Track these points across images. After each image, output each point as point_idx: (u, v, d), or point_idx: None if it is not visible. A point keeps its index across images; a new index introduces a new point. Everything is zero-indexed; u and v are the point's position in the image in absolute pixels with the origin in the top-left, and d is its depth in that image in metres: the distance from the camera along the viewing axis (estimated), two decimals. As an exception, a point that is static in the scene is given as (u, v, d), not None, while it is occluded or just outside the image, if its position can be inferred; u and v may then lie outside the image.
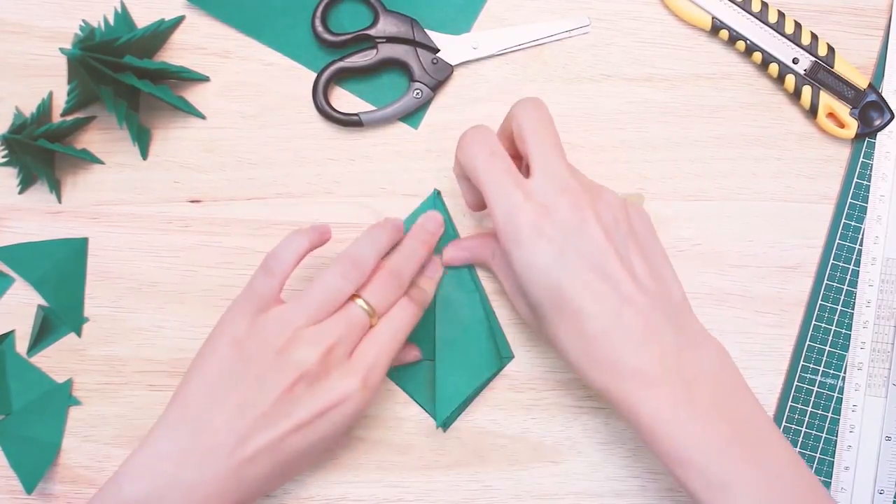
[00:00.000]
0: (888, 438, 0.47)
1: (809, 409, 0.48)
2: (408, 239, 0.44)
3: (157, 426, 0.39)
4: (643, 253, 0.40)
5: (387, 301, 0.42)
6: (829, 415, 0.48)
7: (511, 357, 0.47)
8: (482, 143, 0.40)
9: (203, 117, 0.48)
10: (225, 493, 0.38)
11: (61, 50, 0.42)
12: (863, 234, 0.48)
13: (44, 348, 0.47)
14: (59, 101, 0.48)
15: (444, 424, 0.47)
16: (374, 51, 0.47)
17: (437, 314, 0.46)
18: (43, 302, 0.47)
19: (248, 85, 0.48)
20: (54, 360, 0.47)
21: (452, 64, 0.48)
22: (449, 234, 0.47)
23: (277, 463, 0.39)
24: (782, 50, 0.48)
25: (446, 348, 0.46)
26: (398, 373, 0.47)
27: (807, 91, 0.48)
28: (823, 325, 0.48)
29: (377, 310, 0.41)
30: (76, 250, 0.47)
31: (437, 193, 0.48)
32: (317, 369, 0.39)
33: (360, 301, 0.41)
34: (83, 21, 0.46)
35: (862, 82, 0.48)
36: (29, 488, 0.46)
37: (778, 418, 0.48)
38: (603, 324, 0.37)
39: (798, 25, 0.48)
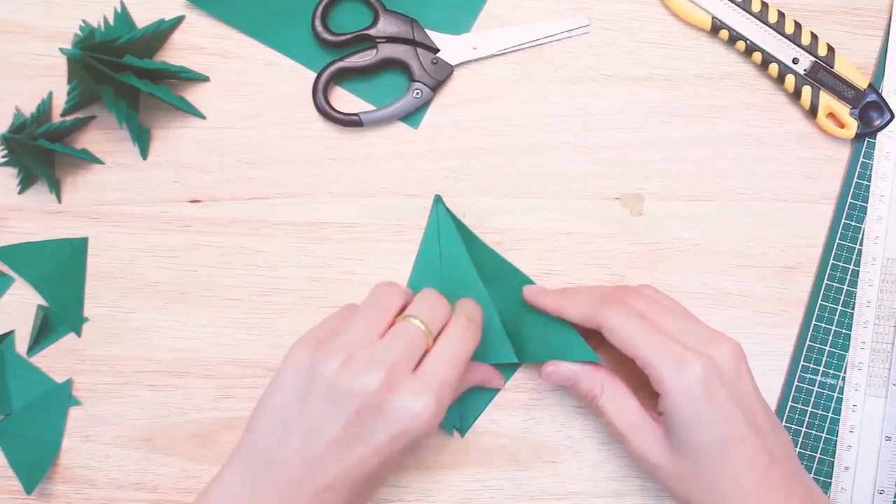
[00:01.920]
0: (888, 438, 0.47)
1: (809, 409, 0.48)
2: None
3: (231, 458, 0.38)
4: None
5: (438, 318, 0.40)
6: (829, 415, 0.48)
7: (515, 361, 0.46)
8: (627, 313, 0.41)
9: (203, 117, 0.48)
10: None
11: (61, 50, 0.42)
12: (863, 234, 0.48)
13: (44, 348, 0.47)
14: (59, 101, 0.48)
15: (463, 431, 0.47)
16: (374, 51, 0.47)
17: None
18: (43, 302, 0.47)
19: (248, 85, 0.48)
20: (54, 360, 0.47)
21: (452, 64, 0.48)
22: (452, 237, 0.47)
23: (354, 487, 0.38)
24: (782, 50, 0.48)
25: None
26: None
27: (807, 91, 0.48)
28: (823, 325, 0.48)
29: (431, 327, 0.39)
30: (76, 250, 0.47)
31: (439, 199, 0.47)
32: (383, 392, 0.37)
33: (413, 319, 0.39)
34: (83, 21, 0.46)
35: (862, 82, 0.48)
36: (29, 489, 0.46)
37: (778, 418, 0.48)
38: (755, 478, 0.39)
39: (798, 25, 0.48)
